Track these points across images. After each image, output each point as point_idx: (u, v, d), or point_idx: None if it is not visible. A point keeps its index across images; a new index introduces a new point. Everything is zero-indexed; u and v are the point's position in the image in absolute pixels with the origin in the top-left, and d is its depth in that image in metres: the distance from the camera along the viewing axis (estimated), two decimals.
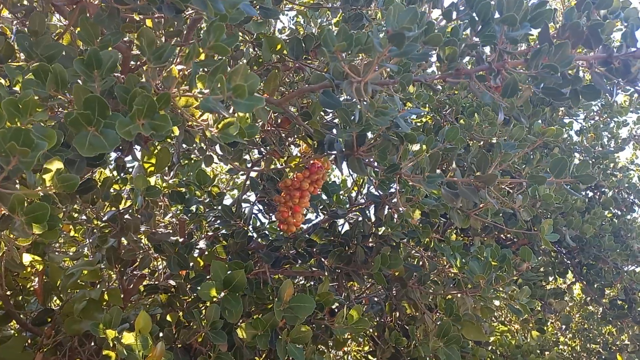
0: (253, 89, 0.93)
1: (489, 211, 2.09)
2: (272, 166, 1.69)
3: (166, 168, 3.01)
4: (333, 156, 1.51)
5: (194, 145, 1.68)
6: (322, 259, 2.21)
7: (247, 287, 2.12)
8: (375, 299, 2.73)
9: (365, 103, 1.14)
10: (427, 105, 2.32)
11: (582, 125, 3.72)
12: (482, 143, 2.46)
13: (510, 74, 1.18)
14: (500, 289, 2.12)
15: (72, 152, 1.42)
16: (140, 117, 0.93)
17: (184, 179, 2.79)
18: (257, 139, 1.96)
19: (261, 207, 2.36)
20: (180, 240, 2.26)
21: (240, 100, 0.92)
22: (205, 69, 1.00)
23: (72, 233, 2.32)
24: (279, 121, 1.70)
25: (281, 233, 2.05)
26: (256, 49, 1.71)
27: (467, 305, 2.26)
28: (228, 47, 1.00)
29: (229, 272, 1.83)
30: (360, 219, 2.45)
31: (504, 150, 1.40)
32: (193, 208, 2.48)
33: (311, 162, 1.54)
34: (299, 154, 1.60)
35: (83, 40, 1.16)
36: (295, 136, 1.69)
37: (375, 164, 1.49)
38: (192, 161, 2.96)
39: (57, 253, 2.51)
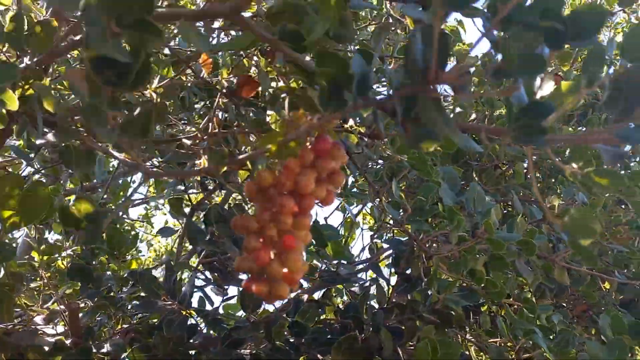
0: None
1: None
2: (222, 167, 0.72)
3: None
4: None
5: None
6: (319, 356, 1.28)
7: None
8: None
9: None
10: None
11: None
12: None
13: None
14: None
15: None
16: None
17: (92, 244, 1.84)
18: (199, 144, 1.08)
19: (209, 276, 1.42)
20: (69, 342, 1.29)
21: None
22: None
23: None
24: (237, 82, 0.84)
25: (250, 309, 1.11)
26: None
27: None
28: None
29: None
30: (367, 283, 1.56)
31: None
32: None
33: (317, 134, 0.58)
34: (282, 121, 0.67)
35: None
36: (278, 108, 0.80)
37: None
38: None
39: None
